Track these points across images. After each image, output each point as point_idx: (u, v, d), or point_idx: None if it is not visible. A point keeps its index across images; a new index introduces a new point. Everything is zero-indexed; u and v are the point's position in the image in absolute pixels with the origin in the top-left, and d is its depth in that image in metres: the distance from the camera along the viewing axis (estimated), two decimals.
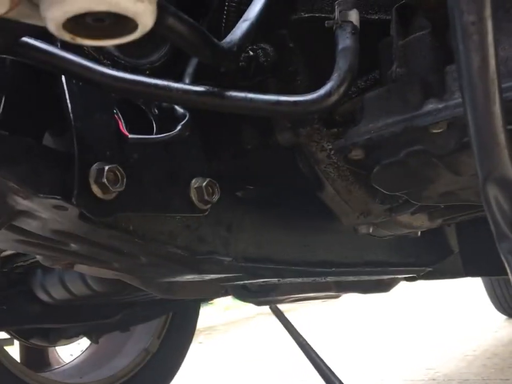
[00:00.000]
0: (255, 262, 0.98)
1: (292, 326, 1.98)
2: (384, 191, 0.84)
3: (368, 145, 0.76)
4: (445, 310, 5.13)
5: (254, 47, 0.91)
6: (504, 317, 4.27)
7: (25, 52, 0.63)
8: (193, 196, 0.84)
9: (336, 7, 0.76)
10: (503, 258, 0.47)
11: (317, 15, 0.90)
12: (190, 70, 0.89)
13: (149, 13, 0.44)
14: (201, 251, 0.88)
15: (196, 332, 2.55)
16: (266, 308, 2.10)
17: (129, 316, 1.94)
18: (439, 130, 0.71)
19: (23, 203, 0.67)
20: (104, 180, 0.71)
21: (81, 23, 0.45)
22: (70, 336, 2.14)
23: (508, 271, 0.47)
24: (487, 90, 0.45)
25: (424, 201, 0.85)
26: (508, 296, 4.05)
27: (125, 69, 0.83)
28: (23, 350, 2.23)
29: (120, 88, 0.70)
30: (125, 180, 0.73)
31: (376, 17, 0.90)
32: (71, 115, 0.73)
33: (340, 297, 1.69)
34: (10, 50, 0.61)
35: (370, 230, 1.10)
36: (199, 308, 2.58)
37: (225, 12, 0.84)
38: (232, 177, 1.07)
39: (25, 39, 0.66)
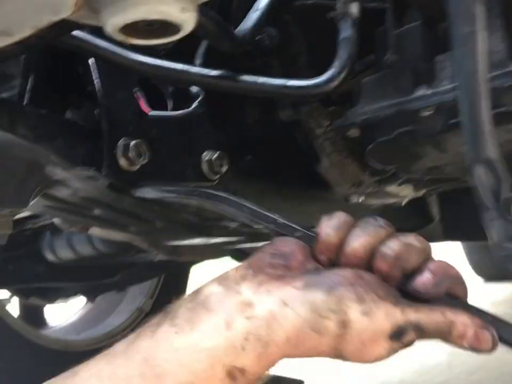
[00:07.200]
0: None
1: None
2: (377, 166, 0.93)
3: (364, 125, 0.85)
4: None
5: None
6: (481, 280, 4.46)
7: (65, 38, 0.71)
8: (204, 167, 0.93)
9: None
10: (485, 225, 0.58)
11: (318, 2, 0.98)
12: (201, 51, 0.97)
13: (192, 20, 0.52)
14: (210, 217, 0.97)
15: None
16: None
17: (127, 277, 2.04)
18: (428, 113, 0.80)
19: (60, 173, 0.76)
20: (131, 154, 0.79)
21: (133, 26, 0.53)
22: (68, 295, 2.24)
23: (488, 237, 0.58)
24: (478, 90, 0.55)
25: (413, 175, 0.95)
26: (485, 261, 4.21)
27: (142, 50, 0.91)
28: (22, 309, 2.32)
29: (145, 71, 0.78)
30: (147, 153, 0.82)
31: (373, 5, 0.98)
32: (99, 94, 0.81)
33: None
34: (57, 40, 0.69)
35: (361, 199, 1.20)
36: (190, 269, 2.68)
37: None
38: (234, 149, 1.16)
39: None
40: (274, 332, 0.57)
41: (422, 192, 1.30)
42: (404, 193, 1.25)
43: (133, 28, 0.53)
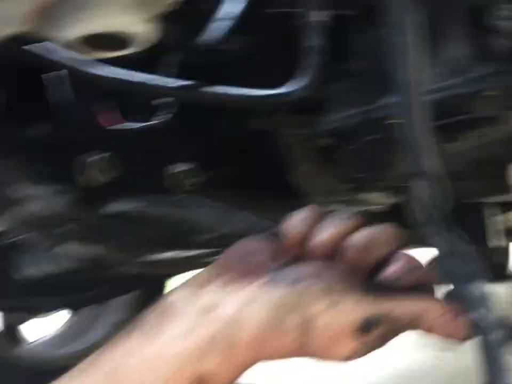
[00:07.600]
0: (231, 237, 1.07)
1: None
2: (349, 174, 0.93)
3: (334, 133, 0.85)
4: None
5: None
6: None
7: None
8: (175, 180, 0.92)
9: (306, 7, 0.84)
10: (427, 240, 0.58)
11: (289, 10, 0.97)
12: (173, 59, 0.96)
13: (150, 32, 0.52)
14: (182, 230, 0.96)
15: None
16: None
17: (106, 290, 2.01)
18: (393, 121, 0.80)
19: (24, 190, 0.74)
20: (97, 169, 0.78)
21: (91, 38, 0.52)
22: (48, 310, 2.21)
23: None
24: (413, 102, 0.56)
25: (382, 182, 0.96)
26: None
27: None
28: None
29: (111, 83, 0.77)
30: (116, 168, 0.81)
31: (343, 13, 0.98)
32: (58, 108, 0.80)
33: None
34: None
35: (339, 208, 1.20)
36: (167, 281, 2.67)
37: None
38: (206, 160, 1.15)
39: None
40: (237, 333, 0.56)
41: (397, 199, 1.30)
42: (377, 200, 1.24)
43: (91, 40, 0.52)
